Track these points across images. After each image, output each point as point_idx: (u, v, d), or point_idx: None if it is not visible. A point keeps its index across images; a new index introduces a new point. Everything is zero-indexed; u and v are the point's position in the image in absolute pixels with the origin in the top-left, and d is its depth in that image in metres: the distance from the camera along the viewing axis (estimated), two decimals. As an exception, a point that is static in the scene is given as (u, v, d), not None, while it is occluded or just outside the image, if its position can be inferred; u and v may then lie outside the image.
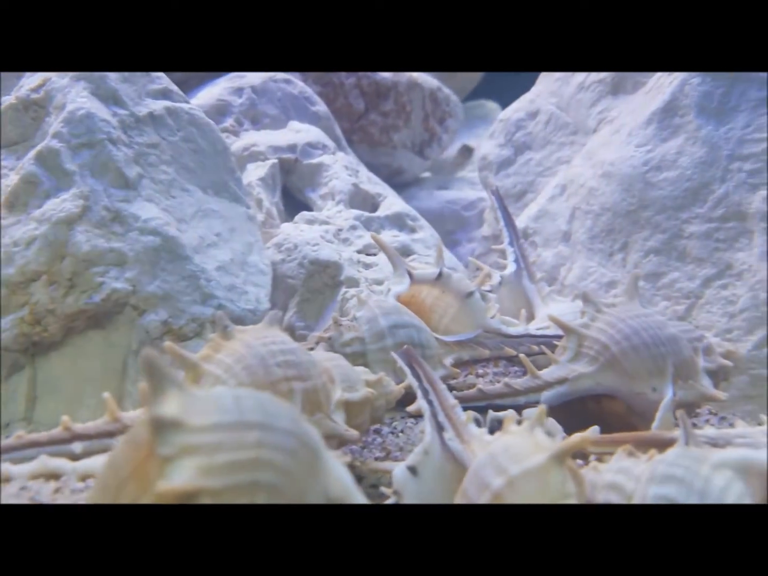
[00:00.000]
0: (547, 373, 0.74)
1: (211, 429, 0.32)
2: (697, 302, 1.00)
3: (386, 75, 1.82)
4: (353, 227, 1.01)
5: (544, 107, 1.38)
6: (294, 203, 1.21)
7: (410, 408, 0.62)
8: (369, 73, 1.77)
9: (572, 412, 0.82)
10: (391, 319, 0.73)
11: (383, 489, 0.53)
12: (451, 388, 0.80)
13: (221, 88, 1.29)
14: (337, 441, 0.54)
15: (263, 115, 1.27)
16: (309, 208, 1.16)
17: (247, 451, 0.32)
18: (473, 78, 2.61)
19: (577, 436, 0.44)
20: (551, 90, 1.38)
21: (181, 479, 0.30)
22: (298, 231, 0.95)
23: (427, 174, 2.34)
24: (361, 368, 0.61)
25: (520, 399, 0.74)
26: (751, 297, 0.95)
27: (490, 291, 1.02)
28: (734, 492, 0.43)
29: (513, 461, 0.45)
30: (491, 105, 2.82)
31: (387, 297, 0.77)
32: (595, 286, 1.13)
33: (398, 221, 1.06)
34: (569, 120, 1.33)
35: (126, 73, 0.76)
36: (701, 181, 1.03)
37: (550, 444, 0.45)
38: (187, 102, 0.84)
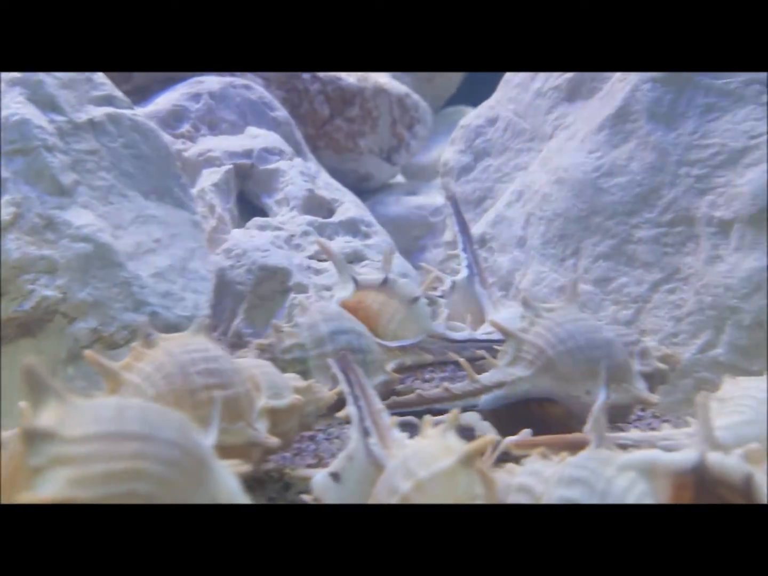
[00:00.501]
0: (486, 378, 0.75)
1: (86, 439, 0.32)
2: (644, 306, 1.02)
3: (352, 80, 1.82)
4: (306, 233, 1.01)
5: (503, 114, 1.40)
6: (251, 209, 1.21)
7: (340, 414, 0.62)
8: (334, 79, 1.78)
9: (515, 415, 0.83)
10: (332, 325, 0.73)
11: (304, 497, 0.53)
12: (395, 393, 0.81)
13: (179, 93, 1.29)
14: (260, 449, 0.54)
15: (221, 120, 1.27)
16: (265, 214, 1.16)
17: (123, 461, 0.32)
18: (451, 84, 2.63)
19: (483, 438, 0.45)
20: (510, 96, 1.40)
21: (49, 490, 0.30)
22: (247, 237, 0.95)
23: (400, 179, 2.35)
24: (290, 375, 0.61)
25: (459, 403, 0.74)
26: (697, 301, 0.96)
27: (441, 296, 1.02)
28: (635, 493, 0.43)
29: (422, 465, 0.45)
30: (469, 111, 2.84)
31: (330, 303, 0.77)
32: (547, 291, 1.14)
33: (352, 227, 1.06)
34: (527, 126, 1.34)
35: (66, 79, 0.76)
36: (651, 186, 1.05)
37: (461, 447, 0.46)
38: (131, 108, 0.83)
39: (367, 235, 1.06)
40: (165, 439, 0.33)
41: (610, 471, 0.44)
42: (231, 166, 1.15)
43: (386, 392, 0.76)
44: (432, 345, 0.83)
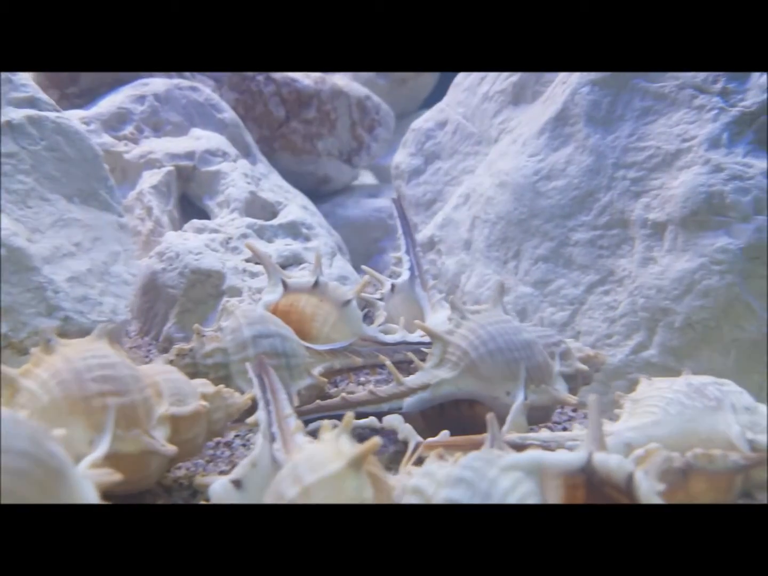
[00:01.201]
0: (411, 380, 0.75)
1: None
2: (580, 308, 1.03)
3: (308, 83, 1.82)
4: (244, 235, 1.00)
5: (452, 117, 1.40)
6: (195, 211, 1.20)
7: (249, 419, 0.61)
8: (289, 81, 1.77)
9: (446, 417, 0.83)
10: (255, 329, 0.73)
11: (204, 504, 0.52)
12: (328, 397, 0.81)
13: (123, 95, 1.27)
14: (159, 457, 0.53)
15: (166, 122, 1.26)
16: (208, 216, 1.15)
17: (-37, 471, 0.31)
18: (425, 86, 2.64)
19: (370, 442, 0.45)
20: (459, 100, 1.41)
21: None
22: (181, 239, 0.94)
23: (370, 180, 2.35)
24: (199, 381, 0.60)
25: (384, 406, 0.74)
26: (630, 303, 0.97)
27: (380, 299, 1.03)
28: (518, 493, 0.43)
29: (310, 470, 0.45)
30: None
31: (255, 306, 0.77)
32: (489, 293, 1.15)
33: (292, 230, 1.05)
34: (474, 130, 1.35)
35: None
36: (587, 189, 1.06)
37: (351, 451, 0.45)
38: (57, 110, 0.82)
39: (308, 238, 1.05)
40: (15, 449, 0.33)
41: (495, 471, 0.44)
42: (172, 168, 1.14)
43: (312, 396, 0.76)
44: (363, 348, 0.83)
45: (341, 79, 2.03)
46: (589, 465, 0.46)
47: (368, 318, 1.06)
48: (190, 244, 0.92)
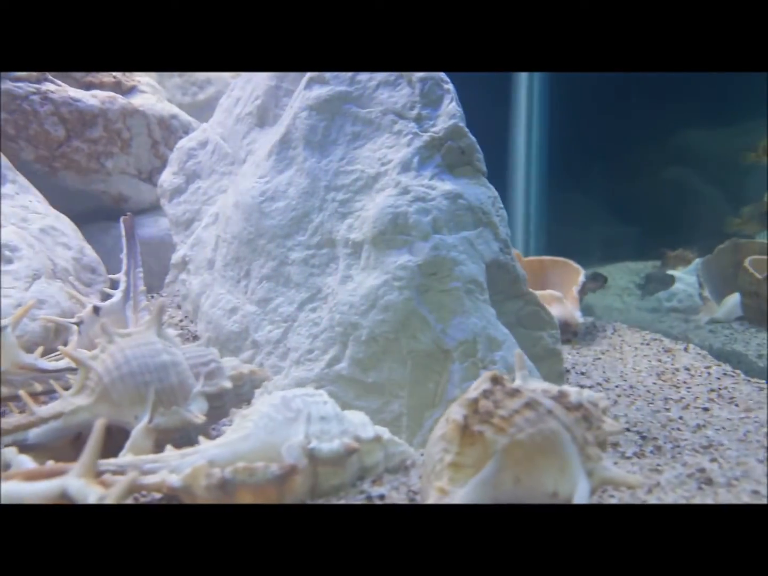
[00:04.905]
0: (44, 409, 0.73)
1: None
2: (292, 325, 1.05)
3: (93, 102, 1.76)
4: (-70, 262, 0.94)
5: (212, 137, 1.41)
6: None
7: None
8: (70, 100, 1.71)
9: (118, 444, 0.82)
10: None
11: None
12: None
13: None
14: None
15: None
16: None
17: None
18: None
19: None
20: (219, 120, 1.41)
21: None
22: None
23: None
24: None
25: (7, 438, 0.71)
26: (330, 319, 1.01)
27: (78, 323, 1.00)
28: None
29: None
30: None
31: None
32: (221, 313, 1.15)
33: (-9, 253, 1.01)
34: (229, 150, 1.36)
35: None
36: (303, 210, 1.09)
37: None
38: None
39: (9, 261, 1.01)
40: None
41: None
42: None
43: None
44: (17, 377, 0.80)
45: (141, 98, 1.99)
46: (66, 493, 0.47)
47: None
48: None
